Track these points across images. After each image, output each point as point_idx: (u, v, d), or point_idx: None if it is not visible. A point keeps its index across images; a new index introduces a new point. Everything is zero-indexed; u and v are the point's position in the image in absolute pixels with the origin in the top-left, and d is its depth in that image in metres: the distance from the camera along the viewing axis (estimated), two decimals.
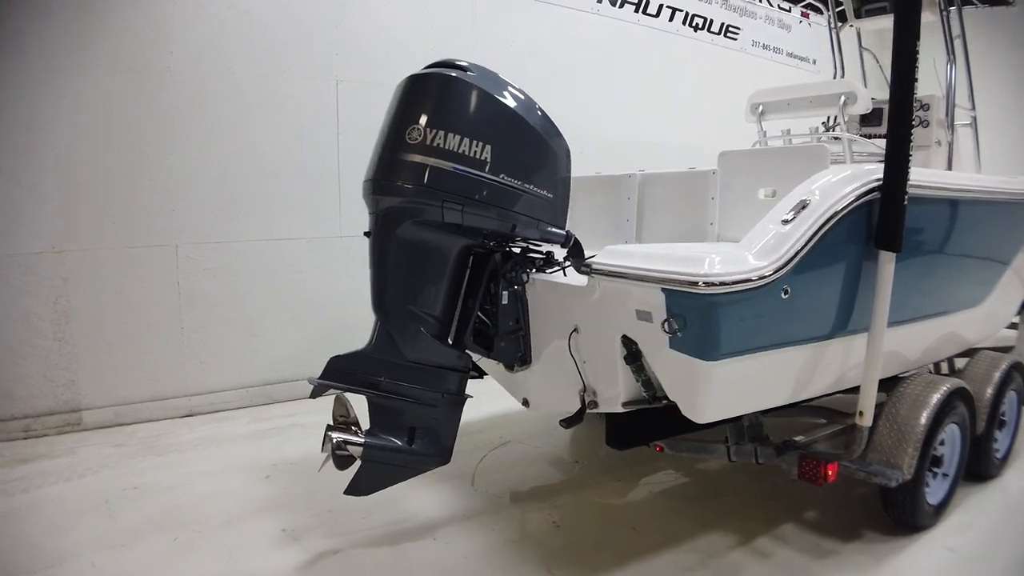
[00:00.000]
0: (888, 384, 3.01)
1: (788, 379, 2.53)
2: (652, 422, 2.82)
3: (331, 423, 2.70)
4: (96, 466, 3.69)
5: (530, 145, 2.57)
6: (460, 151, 2.41)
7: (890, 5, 4.42)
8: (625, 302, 2.35)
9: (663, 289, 2.16)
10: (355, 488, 2.66)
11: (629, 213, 3.50)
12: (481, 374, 3.15)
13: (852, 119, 4.04)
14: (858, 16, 4.75)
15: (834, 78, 4.98)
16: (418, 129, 2.42)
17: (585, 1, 6.25)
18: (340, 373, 2.65)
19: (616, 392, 2.56)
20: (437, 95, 2.51)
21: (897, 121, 2.39)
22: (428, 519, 3.15)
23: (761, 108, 4.21)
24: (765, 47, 7.86)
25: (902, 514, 3.01)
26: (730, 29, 7.48)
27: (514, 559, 2.82)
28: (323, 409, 4.72)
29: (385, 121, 2.60)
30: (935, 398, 2.94)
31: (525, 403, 3.08)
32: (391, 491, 2.74)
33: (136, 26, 4.24)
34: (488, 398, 3.46)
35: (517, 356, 2.89)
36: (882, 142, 4.05)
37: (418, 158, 2.42)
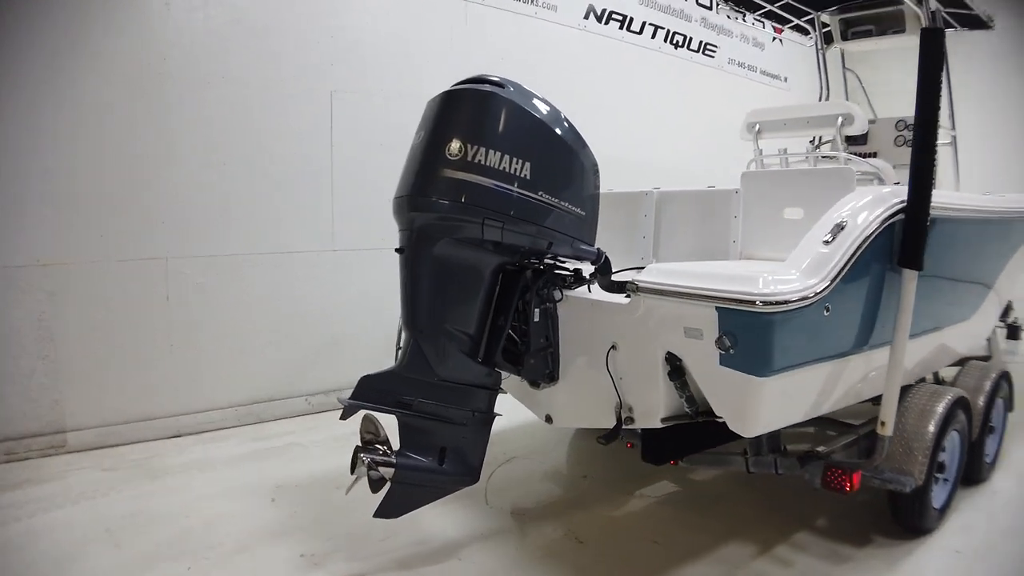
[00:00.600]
0: None
1: (820, 392, 2.60)
2: (687, 437, 2.86)
3: (359, 443, 2.64)
4: (89, 491, 3.51)
5: (564, 162, 2.58)
6: (501, 168, 2.40)
7: (876, 29, 4.62)
8: (673, 320, 2.38)
9: (717, 308, 2.19)
10: (385, 511, 2.61)
11: (646, 230, 3.54)
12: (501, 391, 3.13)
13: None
14: (844, 38, 4.94)
15: (820, 99, 5.16)
16: (458, 145, 2.41)
17: (573, 17, 6.33)
18: (371, 392, 2.60)
19: (655, 408, 2.58)
20: (476, 111, 2.49)
21: (921, 146, 2.50)
22: (449, 539, 3.10)
23: (758, 127, 4.33)
24: (740, 64, 8.09)
25: (910, 518, 3.14)
26: (708, 47, 7.67)
27: None
28: (319, 428, 4.70)
29: (418, 137, 2.57)
30: (941, 408, 3.08)
31: (548, 419, 3.08)
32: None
33: (125, 39, 4.08)
34: None
35: (545, 373, 2.90)
36: (875, 160, 4.25)
37: (459, 175, 2.40)
